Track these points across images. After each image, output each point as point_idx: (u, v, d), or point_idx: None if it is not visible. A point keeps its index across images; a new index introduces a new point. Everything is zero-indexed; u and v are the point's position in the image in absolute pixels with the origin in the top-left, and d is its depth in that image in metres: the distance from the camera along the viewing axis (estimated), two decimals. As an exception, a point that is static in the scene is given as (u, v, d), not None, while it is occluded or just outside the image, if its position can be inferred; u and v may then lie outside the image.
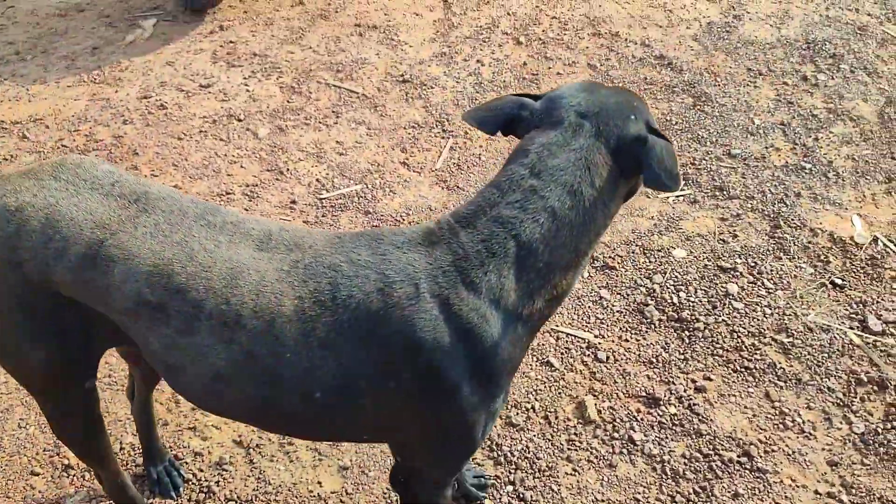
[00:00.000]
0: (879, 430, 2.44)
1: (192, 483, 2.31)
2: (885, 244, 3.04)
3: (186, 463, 2.35)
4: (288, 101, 3.73)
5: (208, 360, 1.46)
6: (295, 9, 4.41)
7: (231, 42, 4.13)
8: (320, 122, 3.61)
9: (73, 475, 2.32)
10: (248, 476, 2.32)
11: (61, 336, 1.60)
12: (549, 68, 3.95)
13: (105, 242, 1.47)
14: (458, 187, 3.28)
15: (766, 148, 3.49)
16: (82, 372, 1.72)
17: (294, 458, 2.36)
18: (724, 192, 3.27)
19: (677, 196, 3.27)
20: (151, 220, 1.50)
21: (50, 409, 1.80)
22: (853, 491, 2.29)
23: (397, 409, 1.50)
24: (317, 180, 3.31)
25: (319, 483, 2.31)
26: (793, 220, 3.14)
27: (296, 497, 2.27)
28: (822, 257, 2.99)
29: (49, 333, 1.59)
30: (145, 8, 4.47)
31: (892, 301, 2.82)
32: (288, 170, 3.35)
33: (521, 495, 2.28)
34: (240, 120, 3.61)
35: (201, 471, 2.34)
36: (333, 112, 3.67)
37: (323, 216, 3.13)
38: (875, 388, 2.56)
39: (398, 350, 1.42)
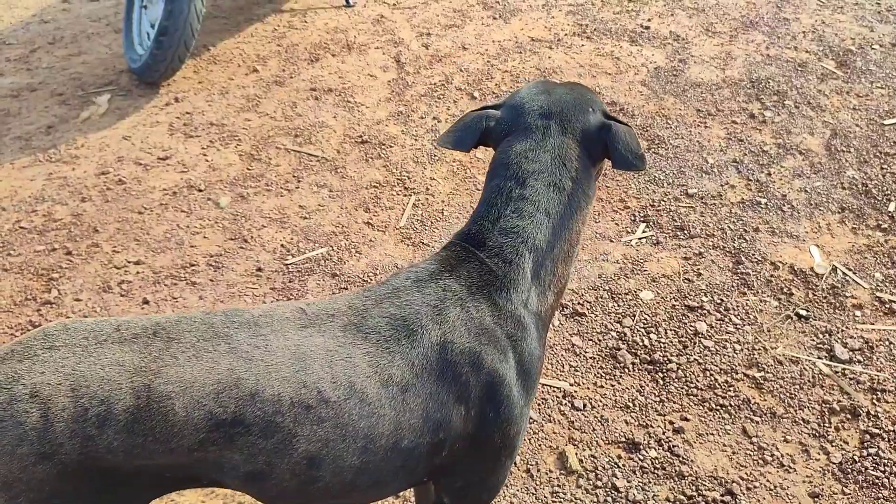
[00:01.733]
0: (856, 458, 2.46)
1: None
2: (843, 272, 3.11)
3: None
4: (248, 169, 3.73)
5: (300, 450, 1.41)
6: (250, 77, 4.45)
7: (187, 113, 4.14)
8: (282, 188, 3.61)
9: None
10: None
11: None
12: (505, 121, 4.02)
13: (153, 385, 1.35)
14: (423, 243, 3.29)
15: (722, 186, 3.58)
16: None
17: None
18: (685, 232, 3.33)
19: (639, 238, 3.32)
20: (186, 345, 1.41)
21: None
22: (837, 522, 2.30)
23: (466, 435, 1.54)
24: (282, 246, 3.30)
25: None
26: (753, 254, 3.20)
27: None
28: (784, 290, 3.05)
29: None
30: (98, 84, 4.47)
31: (856, 329, 2.88)
32: (252, 237, 3.34)
33: (509, 553, 2.25)
34: (200, 190, 3.60)
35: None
36: (294, 177, 3.68)
37: (290, 282, 3.12)
38: (848, 416, 2.59)
39: (465, 370, 1.50)
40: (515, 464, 2.47)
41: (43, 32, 5.13)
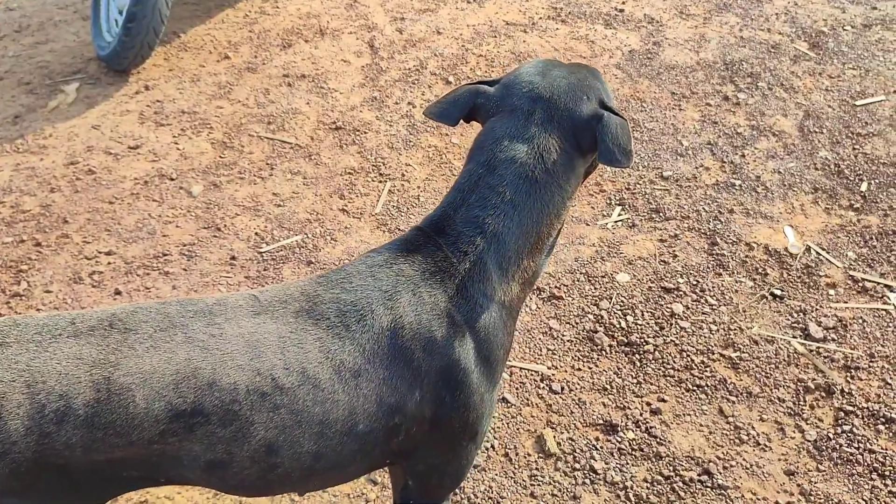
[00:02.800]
0: (831, 436, 2.48)
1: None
2: (817, 252, 3.13)
3: (139, 539, 2.26)
4: (220, 157, 3.68)
5: (258, 437, 1.41)
6: (221, 63, 4.39)
7: (158, 101, 4.08)
8: (255, 176, 3.57)
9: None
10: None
11: None
12: (480, 105, 4.00)
13: (113, 377, 1.34)
14: (399, 230, 3.27)
15: (697, 168, 3.59)
16: None
17: (253, 523, 2.29)
18: (661, 214, 3.34)
19: (615, 221, 3.32)
20: (143, 336, 1.40)
21: None
22: (812, 498, 2.33)
23: (423, 419, 1.53)
24: (256, 234, 3.27)
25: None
26: (728, 236, 3.22)
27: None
28: (759, 270, 3.06)
29: None
30: (66, 72, 4.39)
31: (830, 307, 2.90)
32: (225, 226, 3.30)
33: (488, 537, 2.25)
34: (172, 179, 3.55)
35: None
36: (268, 164, 3.64)
37: (265, 270, 3.09)
38: (823, 394, 2.61)
39: (417, 355, 1.49)
40: (493, 447, 2.47)
41: (8, 20, 5.02)
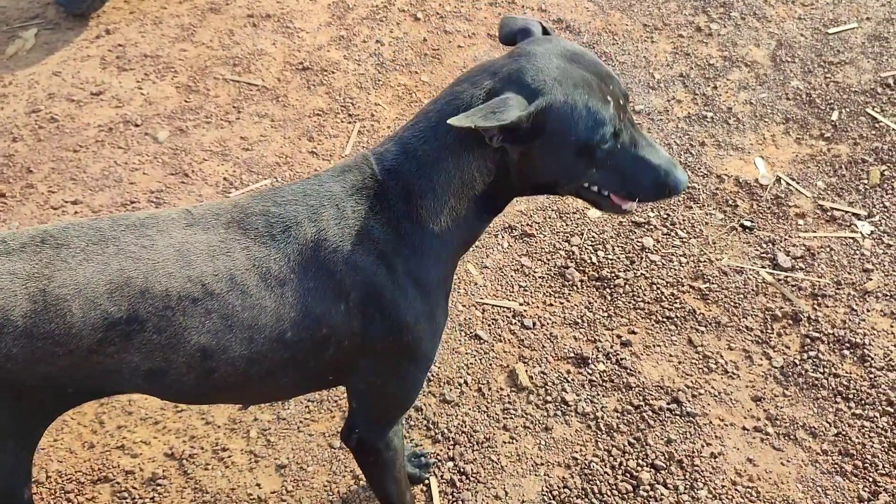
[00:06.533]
0: (797, 362, 2.53)
1: (128, 501, 2.24)
2: (787, 183, 3.14)
3: (118, 483, 2.28)
4: (186, 101, 3.61)
5: (192, 342, 1.47)
6: (183, 5, 4.26)
7: (119, 45, 3.97)
8: (222, 119, 3.51)
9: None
10: (184, 487, 2.27)
11: (3, 430, 1.50)
12: (450, 42, 3.93)
13: (48, 289, 1.40)
14: (369, 171, 3.24)
15: (669, 101, 3.56)
16: (25, 479, 1.61)
17: (230, 464, 2.32)
18: (632, 149, 3.32)
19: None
20: (76, 249, 1.45)
21: None
22: (778, 422, 2.38)
23: (353, 333, 1.56)
24: (224, 179, 3.23)
25: (258, 485, 2.27)
26: (699, 168, 3.22)
27: (235, 502, 2.23)
28: (730, 202, 3.07)
29: None
30: (24, 18, 4.25)
31: (799, 237, 2.93)
32: (193, 171, 3.26)
33: (462, 469, 2.29)
34: (137, 125, 3.49)
35: (135, 489, 2.27)
36: (234, 107, 3.57)
37: (234, 215, 3.06)
38: (790, 321, 2.65)
39: (339, 268, 1.51)
40: (467, 383, 2.50)
41: (-39, -36, 4.84)
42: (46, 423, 1.59)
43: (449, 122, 1.41)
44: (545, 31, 1.67)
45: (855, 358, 2.53)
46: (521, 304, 2.73)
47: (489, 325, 2.67)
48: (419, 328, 1.60)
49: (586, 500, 2.23)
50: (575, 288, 2.78)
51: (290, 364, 1.56)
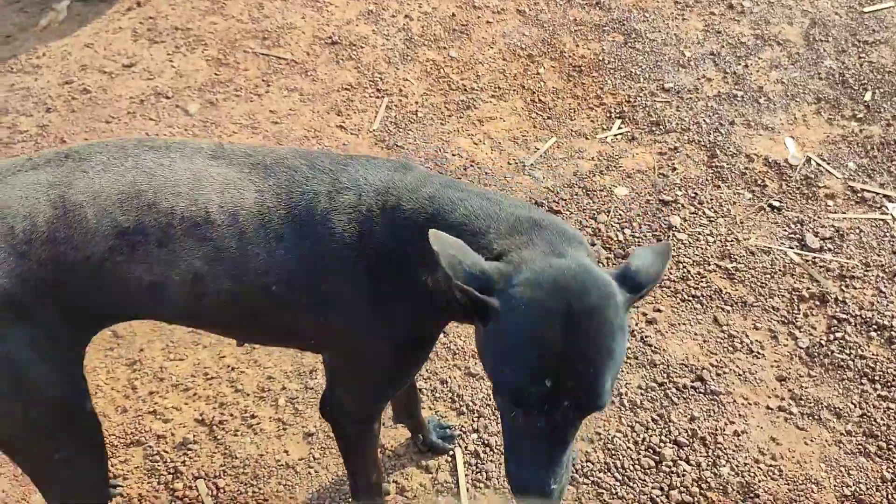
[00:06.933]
0: (823, 343, 2.53)
1: (159, 465, 2.30)
2: (817, 163, 3.12)
3: (150, 446, 2.34)
4: (216, 74, 3.64)
5: (186, 263, 1.50)
6: (214, -22, 4.28)
7: (150, 18, 4.00)
8: (251, 93, 3.54)
9: None
10: (214, 453, 2.32)
11: (54, 342, 1.51)
12: (479, 17, 3.92)
13: (66, 195, 1.46)
14: (397, 146, 3.26)
15: (699, 79, 3.53)
16: (82, 388, 1.62)
17: (258, 430, 2.36)
18: (661, 127, 3.31)
19: (615, 135, 3.30)
20: (96, 163, 1.51)
21: (60, 464, 1.62)
22: (802, 402, 2.38)
23: (330, 313, 1.56)
24: (254, 152, 3.26)
25: (286, 451, 2.32)
26: (728, 147, 3.20)
27: (264, 468, 2.28)
28: (758, 182, 3.06)
29: (45, 345, 1.49)
30: (57, -11, 4.29)
31: (828, 218, 2.91)
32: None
33: (486, 441, 2.32)
34: (168, 97, 3.52)
35: (166, 452, 2.33)
36: (264, 81, 3.60)
37: (264, 187, 3.09)
38: (817, 302, 2.64)
39: (329, 251, 1.50)
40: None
41: (-6, -64, 4.88)
42: (83, 343, 1.62)
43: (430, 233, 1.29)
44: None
45: (882, 340, 2.53)
46: (546, 281, 2.74)
47: (515, 301, 2.69)
48: (369, 334, 1.57)
49: (609, 474, 2.25)
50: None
51: (273, 315, 1.58)
